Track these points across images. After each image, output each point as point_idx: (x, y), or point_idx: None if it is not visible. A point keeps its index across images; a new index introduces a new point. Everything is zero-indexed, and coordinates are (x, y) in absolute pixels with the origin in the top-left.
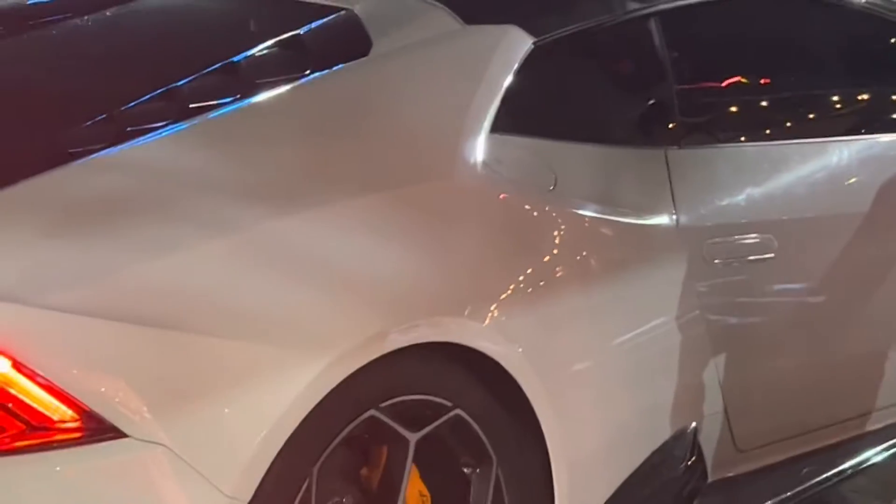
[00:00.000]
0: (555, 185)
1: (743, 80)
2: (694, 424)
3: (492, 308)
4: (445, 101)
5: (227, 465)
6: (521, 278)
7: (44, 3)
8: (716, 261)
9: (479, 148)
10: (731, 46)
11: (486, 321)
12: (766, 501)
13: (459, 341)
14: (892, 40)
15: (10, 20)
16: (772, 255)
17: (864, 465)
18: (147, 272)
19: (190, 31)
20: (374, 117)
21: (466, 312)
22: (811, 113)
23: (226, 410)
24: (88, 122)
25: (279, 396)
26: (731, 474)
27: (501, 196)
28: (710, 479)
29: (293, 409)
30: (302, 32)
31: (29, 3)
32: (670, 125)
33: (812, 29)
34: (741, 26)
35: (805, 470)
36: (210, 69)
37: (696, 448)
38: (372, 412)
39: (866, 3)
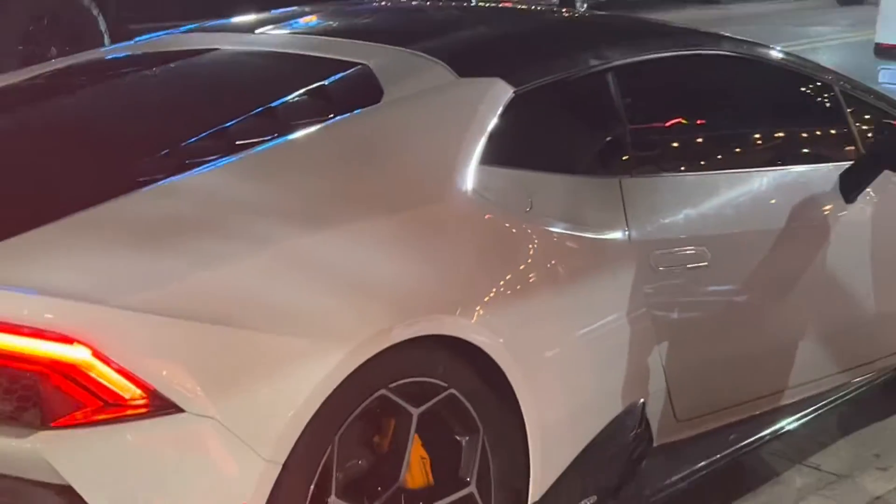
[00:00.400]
0: (531, 208)
1: (683, 121)
2: (642, 400)
3: (479, 307)
4: (443, 139)
5: (265, 434)
6: (502, 283)
7: (119, 59)
8: (660, 268)
9: (470, 177)
10: (674, 94)
11: (475, 318)
12: (700, 462)
13: (453, 334)
14: (803, 89)
15: (92, 73)
16: (706, 263)
17: (780, 433)
18: (201, 279)
19: (236, 82)
20: (384, 153)
21: (458, 311)
22: (738, 148)
23: (264, 390)
24: (154, 156)
25: (307, 379)
26: (672, 440)
27: (487, 216)
28: (655, 444)
29: (319, 389)
30: (327, 83)
31: (107, 58)
32: (624, 158)
33: (739, 80)
34: (682, 77)
35: (732, 436)
36: (252, 113)
37: (643, 419)
38: (382, 391)
39: (782, 59)
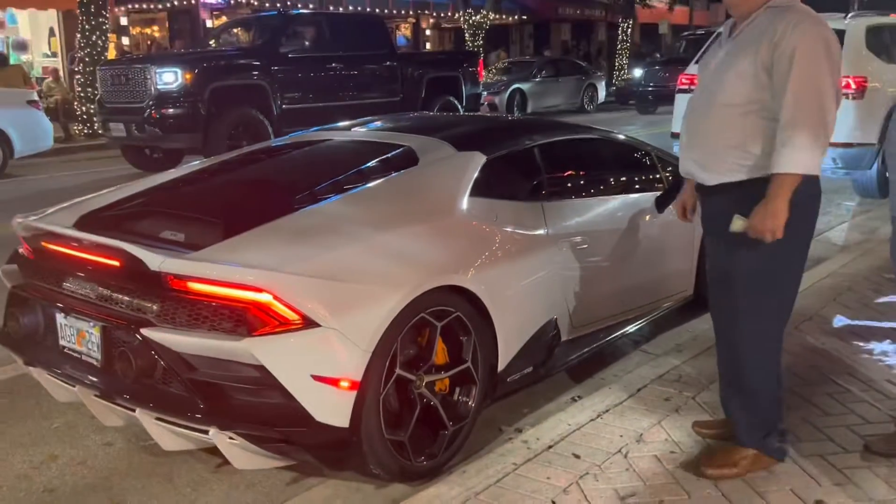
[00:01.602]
0: (497, 218)
1: (573, 172)
2: (555, 316)
3: (471, 270)
4: (450, 184)
5: (363, 337)
6: (482, 258)
7: (281, 145)
8: (563, 249)
9: (465, 203)
10: (569, 157)
11: (468, 276)
12: (584, 349)
13: (458, 284)
14: (635, 154)
15: (265, 152)
16: (586, 245)
17: (626, 333)
18: (328, 257)
19: (341, 155)
20: (420, 191)
21: (460, 272)
22: (601, 186)
23: (362, 314)
24: (301, 194)
25: (384, 308)
26: (570, 337)
27: (474, 223)
28: (562, 340)
29: (390, 313)
30: (389, 155)
31: (273, 145)
32: (543, 192)
33: (602, 150)
34: (573, 149)
35: (601, 335)
36: (351, 172)
37: (556, 326)
38: (422, 314)
39: (624, 138)
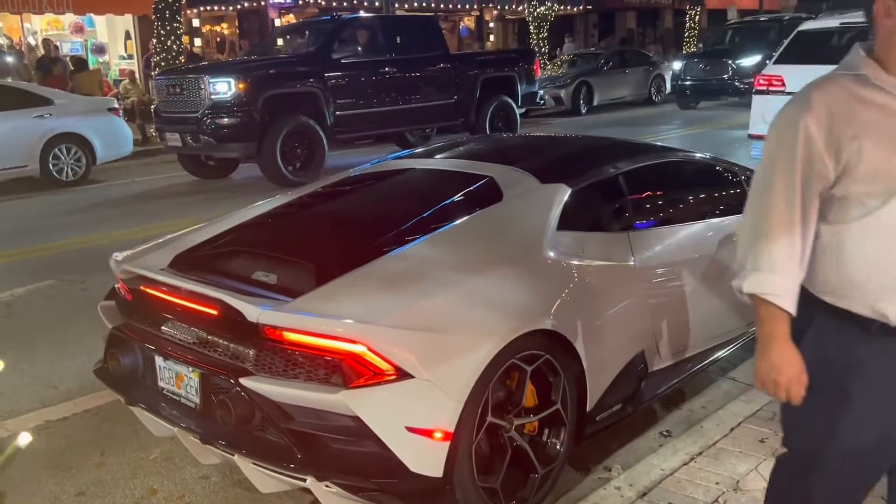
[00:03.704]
0: (583, 253)
1: (658, 198)
2: (643, 348)
3: (560, 312)
4: (536, 220)
5: (455, 388)
6: (571, 297)
7: (361, 177)
8: (652, 280)
9: (551, 239)
10: (654, 182)
11: (559, 318)
12: (673, 380)
13: (546, 327)
14: (726, 175)
15: (346, 184)
16: (674, 273)
17: (716, 361)
18: (420, 306)
19: (425, 188)
20: (507, 228)
21: (549, 315)
22: (689, 212)
23: (454, 365)
24: (387, 235)
25: (476, 357)
26: (658, 368)
27: (560, 260)
28: (649, 371)
29: (482, 361)
30: (471, 189)
31: (352, 175)
32: (629, 221)
33: (688, 173)
34: (657, 174)
35: (689, 365)
36: (435, 208)
37: (644, 359)
38: (512, 360)
39: (710, 160)
